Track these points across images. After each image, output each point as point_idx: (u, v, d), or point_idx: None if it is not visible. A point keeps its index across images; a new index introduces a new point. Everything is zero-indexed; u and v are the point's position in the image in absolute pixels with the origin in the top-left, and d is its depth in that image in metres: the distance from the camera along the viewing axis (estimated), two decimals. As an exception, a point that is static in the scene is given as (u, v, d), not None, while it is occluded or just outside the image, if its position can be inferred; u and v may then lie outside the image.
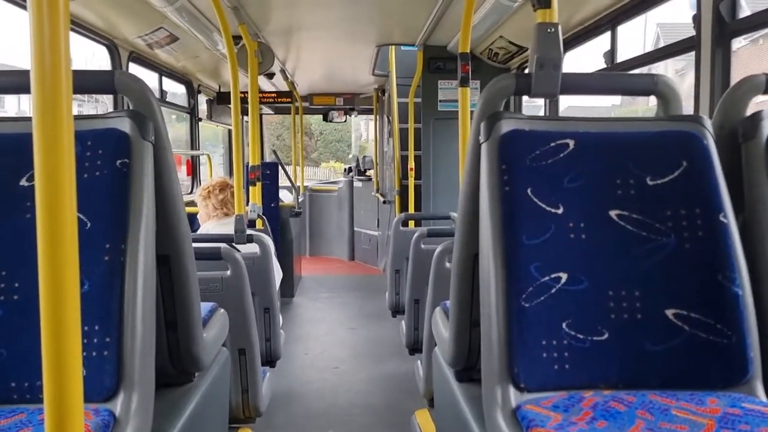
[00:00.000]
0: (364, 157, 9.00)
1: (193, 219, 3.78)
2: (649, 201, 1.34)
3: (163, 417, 1.41)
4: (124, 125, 1.31)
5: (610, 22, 3.31)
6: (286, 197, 6.99)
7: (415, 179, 5.19)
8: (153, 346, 1.27)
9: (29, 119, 1.36)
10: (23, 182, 1.28)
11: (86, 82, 1.37)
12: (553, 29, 1.42)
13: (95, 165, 1.26)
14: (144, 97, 1.37)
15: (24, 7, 2.66)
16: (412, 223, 4.76)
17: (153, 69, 4.68)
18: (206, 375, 1.73)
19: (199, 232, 3.38)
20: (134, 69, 4.27)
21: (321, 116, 9.19)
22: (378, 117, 8.42)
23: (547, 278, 1.28)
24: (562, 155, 1.36)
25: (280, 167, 6.24)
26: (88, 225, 1.22)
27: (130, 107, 1.37)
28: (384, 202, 7.26)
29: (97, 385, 1.15)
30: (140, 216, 1.26)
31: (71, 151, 0.78)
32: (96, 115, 1.34)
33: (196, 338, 1.57)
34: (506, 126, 1.37)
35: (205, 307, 1.78)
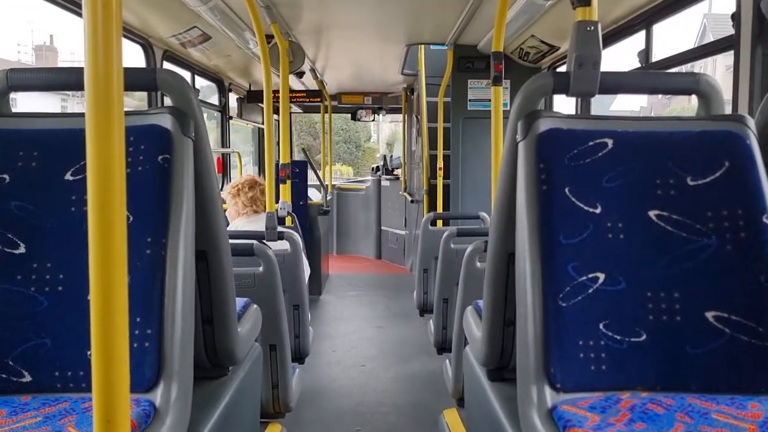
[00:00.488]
0: (392, 156, 9.02)
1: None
2: (690, 201, 1.32)
3: (198, 409, 1.43)
4: (166, 122, 1.33)
5: (645, 20, 3.27)
6: (314, 195, 7.03)
7: (443, 179, 5.19)
8: (192, 339, 1.29)
9: (72, 115, 1.41)
10: (68, 176, 1.31)
11: (129, 80, 1.39)
12: (592, 27, 1.41)
13: (138, 160, 1.29)
14: (185, 94, 1.39)
15: (79, 14, 2.74)
16: (440, 223, 4.76)
17: (186, 68, 4.74)
18: (240, 369, 1.75)
19: (228, 229, 3.42)
20: (168, 67, 4.34)
21: (349, 115, 9.22)
22: (406, 116, 8.42)
23: (584, 278, 1.27)
24: (600, 154, 1.35)
25: (308, 165, 6.28)
26: (131, 219, 1.24)
27: (166, 104, 1.39)
28: (411, 201, 7.26)
29: (138, 376, 1.17)
30: (181, 211, 1.28)
31: (122, 147, 0.80)
32: (138, 111, 1.37)
33: (232, 333, 1.59)
34: (544, 125, 1.37)
35: (239, 302, 1.81)
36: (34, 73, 1.44)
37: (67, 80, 1.44)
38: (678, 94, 1.54)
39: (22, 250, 1.28)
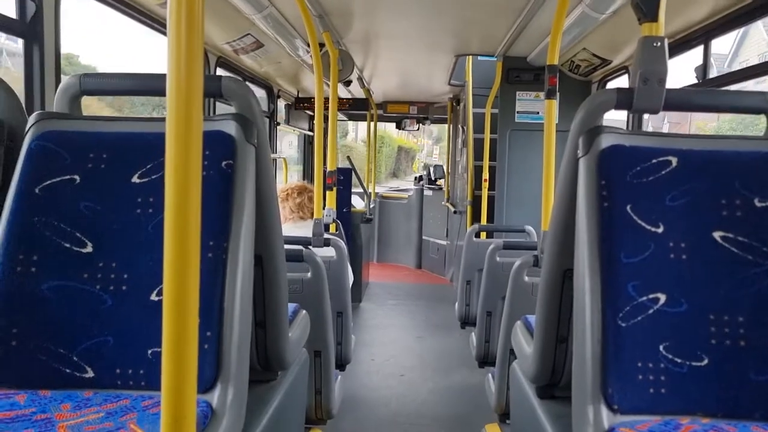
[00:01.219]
0: (435, 166, 9.00)
1: None
2: (757, 223, 1.28)
3: (249, 412, 1.45)
4: (230, 128, 1.36)
5: (703, 35, 3.19)
6: (357, 203, 7.07)
7: (488, 190, 5.15)
8: (248, 342, 1.31)
9: (141, 119, 1.45)
10: (135, 179, 1.35)
11: None
12: (659, 43, 1.39)
13: (203, 165, 1.32)
14: (248, 102, 1.42)
15: (163, 33, 2.87)
16: (483, 235, 4.72)
17: (237, 74, 4.83)
18: (288, 374, 1.77)
19: None
20: (221, 73, 4.43)
21: (394, 124, 9.24)
22: (451, 126, 8.40)
23: (644, 298, 1.25)
24: (664, 172, 1.32)
25: (353, 173, 6.32)
26: None
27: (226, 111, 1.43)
28: (454, 212, 7.23)
29: (197, 377, 1.19)
30: (242, 216, 1.30)
31: (199, 152, 0.82)
32: (204, 118, 1.40)
33: (283, 338, 1.61)
34: (606, 141, 1.35)
35: (290, 307, 1.83)
36: (106, 78, 1.49)
37: (139, 86, 1.48)
38: (745, 113, 1.50)
39: (89, 249, 1.32)
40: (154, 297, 1.28)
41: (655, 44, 1.38)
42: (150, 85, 1.46)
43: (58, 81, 2.26)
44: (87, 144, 1.38)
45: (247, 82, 5.05)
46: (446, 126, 8.75)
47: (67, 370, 1.27)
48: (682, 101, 1.45)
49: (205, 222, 1.28)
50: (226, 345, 1.23)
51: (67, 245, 1.32)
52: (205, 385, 1.21)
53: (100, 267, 1.31)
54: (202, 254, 1.25)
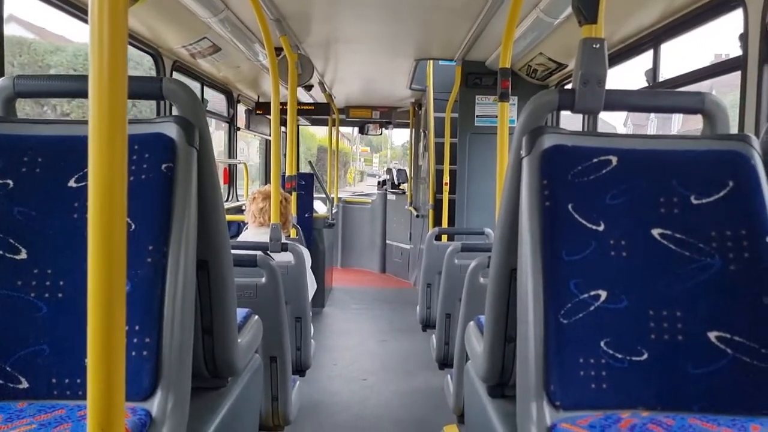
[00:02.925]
0: (399, 170, 9.03)
1: (229, 226, 3.83)
2: (694, 220, 1.31)
3: (196, 420, 1.43)
4: (171, 131, 1.34)
5: (653, 40, 3.27)
6: (320, 208, 7.04)
7: (449, 194, 5.19)
8: (191, 349, 1.29)
9: (78, 122, 1.42)
10: (72, 183, 1.32)
11: (136, 89, 1.40)
12: (598, 45, 1.41)
13: (141, 168, 1.29)
14: (191, 104, 1.40)
15: (85, 21, 2.76)
16: (445, 238, 4.75)
17: (195, 78, 4.77)
18: (239, 380, 1.74)
19: (239, 238, 3.43)
20: (177, 78, 4.36)
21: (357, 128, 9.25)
22: (413, 131, 8.44)
23: (586, 295, 1.27)
24: (604, 171, 1.34)
25: (315, 178, 6.29)
26: (133, 227, 1.24)
27: (172, 114, 1.40)
28: (417, 215, 7.26)
29: (135, 384, 1.16)
30: (183, 220, 1.28)
31: (123, 155, 0.80)
32: (143, 120, 1.37)
33: (231, 343, 1.59)
34: (548, 141, 1.36)
35: (240, 312, 1.80)
36: (40, 80, 1.45)
37: (74, 88, 1.45)
38: (683, 113, 1.54)
39: (23, 255, 1.28)
40: None
41: (594, 46, 1.41)
42: (86, 87, 1.42)
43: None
44: (21, 148, 1.34)
45: (205, 87, 4.99)
46: (384, 135, 8.82)
47: (0, 381, 1.23)
48: (622, 102, 1.48)
49: (144, 226, 1.26)
50: (166, 351, 1.21)
51: (0, 252, 1.28)
52: (144, 392, 1.18)
53: (35, 274, 1.27)
54: (140, 259, 1.23)
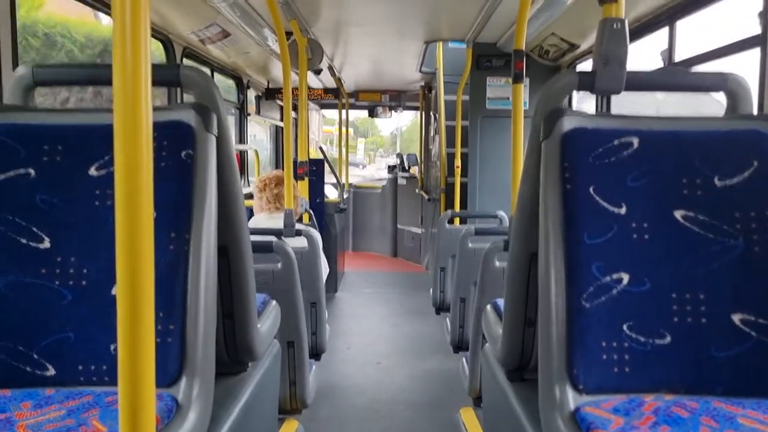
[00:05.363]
0: (408, 155, 9.01)
1: None
2: (717, 202, 1.30)
3: (219, 405, 1.44)
4: (189, 118, 1.34)
5: (668, 18, 3.22)
6: (330, 194, 7.04)
7: (461, 177, 5.17)
8: (214, 335, 1.29)
9: (98, 110, 1.42)
10: (92, 171, 1.32)
11: (153, 76, 1.40)
12: (619, 25, 1.39)
13: (161, 156, 1.29)
14: (208, 90, 1.39)
15: (108, 13, 2.76)
16: (457, 221, 4.74)
17: (205, 64, 4.76)
18: (259, 365, 1.75)
19: (249, 224, 3.44)
20: (187, 64, 4.35)
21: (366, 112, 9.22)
22: (423, 114, 8.40)
23: (608, 278, 1.26)
24: (625, 153, 1.33)
25: (325, 163, 6.29)
26: (154, 214, 1.24)
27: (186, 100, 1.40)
28: (428, 199, 7.25)
29: (160, 370, 1.17)
30: (203, 207, 1.28)
31: (149, 142, 0.81)
32: (162, 107, 1.37)
33: (252, 329, 1.60)
34: (568, 123, 1.35)
35: (258, 298, 1.81)
36: (59, 69, 1.45)
37: (92, 76, 1.45)
38: (705, 92, 1.51)
39: (46, 244, 1.29)
40: (114, 291, 1.26)
41: (615, 26, 1.39)
42: (105, 75, 1.43)
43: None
44: (42, 137, 1.35)
45: (215, 73, 4.98)
46: (372, 120, 8.83)
47: (28, 369, 1.24)
48: (644, 82, 1.46)
49: (165, 213, 1.26)
50: (190, 338, 1.21)
51: (24, 240, 1.29)
52: (170, 378, 1.19)
53: (59, 262, 1.28)
54: (163, 247, 1.24)
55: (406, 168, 8.87)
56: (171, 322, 1.21)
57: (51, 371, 1.24)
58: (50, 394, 1.19)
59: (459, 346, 3.55)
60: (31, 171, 1.32)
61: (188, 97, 3.89)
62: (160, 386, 1.18)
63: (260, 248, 2.40)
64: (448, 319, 3.80)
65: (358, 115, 9.61)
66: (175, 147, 1.30)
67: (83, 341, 1.25)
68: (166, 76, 1.42)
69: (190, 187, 1.28)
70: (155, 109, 1.36)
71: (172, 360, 1.20)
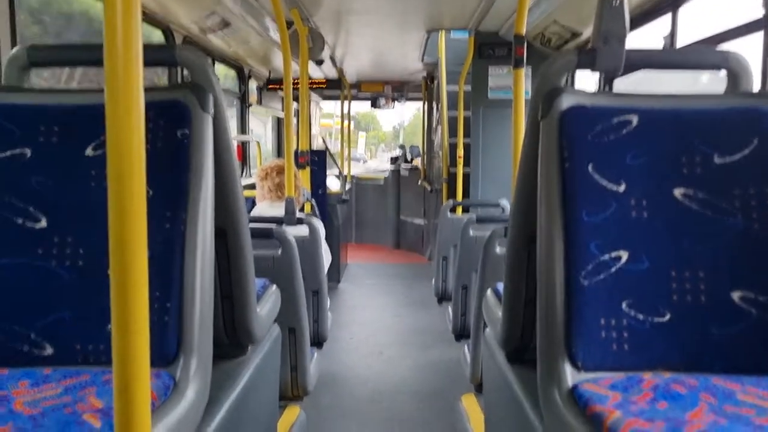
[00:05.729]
0: (411, 146, 8.99)
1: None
2: (716, 180, 1.29)
3: (217, 387, 1.44)
4: (185, 97, 1.33)
5: (671, 3, 3.20)
6: (333, 185, 7.03)
7: (463, 167, 5.15)
8: (211, 315, 1.29)
9: (93, 90, 1.41)
10: (89, 151, 1.32)
11: (151, 57, 1.40)
12: (618, 2, 1.38)
13: (157, 135, 1.29)
14: (204, 70, 1.39)
15: None
16: (459, 211, 4.73)
17: (206, 54, 4.75)
18: (259, 349, 1.76)
19: (252, 213, 3.44)
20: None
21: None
22: (426, 104, 8.38)
23: (607, 256, 1.25)
24: (624, 131, 1.32)
25: (327, 154, 6.28)
26: (150, 194, 1.24)
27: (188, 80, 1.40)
28: (431, 190, 7.23)
29: (158, 349, 1.17)
30: (200, 186, 1.28)
31: (140, 122, 0.80)
32: (158, 87, 1.37)
33: (251, 311, 1.60)
34: (566, 101, 1.34)
35: (258, 282, 1.81)
36: (54, 50, 1.45)
37: (87, 57, 1.45)
38: (706, 69, 1.50)
39: (43, 224, 1.29)
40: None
41: (614, 3, 1.38)
42: (100, 56, 1.42)
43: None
44: (37, 117, 1.34)
45: (215, 63, 4.97)
46: (374, 114, 8.81)
47: (25, 348, 1.25)
48: (644, 60, 1.45)
49: (161, 193, 1.26)
50: (187, 317, 1.21)
51: (20, 221, 1.29)
52: (168, 357, 1.19)
53: (55, 242, 1.28)
54: (158, 226, 1.24)
55: (409, 159, 8.86)
56: (167, 300, 1.20)
57: (48, 351, 1.25)
58: (48, 373, 1.20)
59: (461, 333, 3.56)
60: (27, 151, 1.32)
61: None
62: (157, 365, 1.18)
63: (260, 234, 2.40)
64: (450, 307, 3.79)
65: (360, 108, 9.57)
66: (171, 127, 1.30)
67: (80, 321, 1.25)
68: (163, 57, 1.42)
69: (187, 167, 1.28)
70: (152, 89, 1.36)
71: (170, 339, 1.20)
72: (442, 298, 4.41)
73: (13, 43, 2.17)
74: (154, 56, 1.43)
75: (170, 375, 1.17)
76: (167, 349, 1.19)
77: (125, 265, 0.81)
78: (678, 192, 1.29)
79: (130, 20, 0.78)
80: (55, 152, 1.32)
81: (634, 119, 1.33)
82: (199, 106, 1.33)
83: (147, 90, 1.32)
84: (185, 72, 1.44)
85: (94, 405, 1.06)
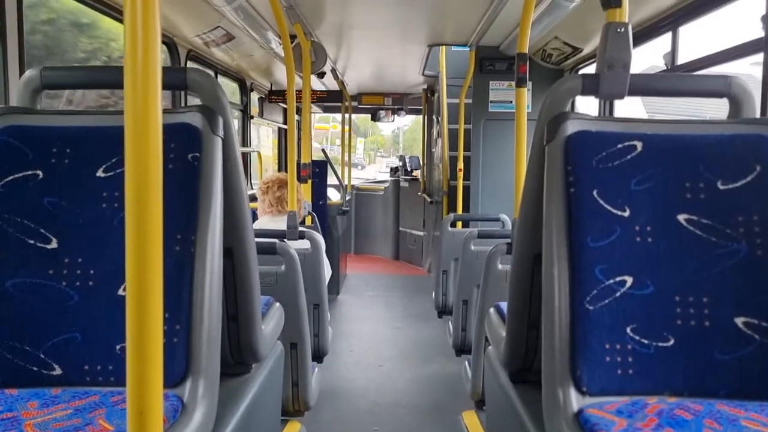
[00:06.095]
0: (411, 157, 9.01)
1: None
2: (720, 206, 1.31)
3: (223, 405, 1.45)
4: (196, 120, 1.35)
5: (671, 22, 3.23)
6: (333, 196, 7.05)
7: (463, 180, 5.17)
8: (219, 336, 1.30)
9: (105, 112, 1.43)
10: (100, 173, 1.33)
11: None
12: (623, 29, 1.40)
13: (168, 158, 1.30)
14: (214, 93, 1.40)
15: (120, 20, 2.79)
16: (459, 224, 4.74)
17: (209, 67, 4.78)
18: (263, 367, 1.76)
19: (254, 226, 3.44)
20: (192, 66, 4.36)
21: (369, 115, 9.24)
22: (426, 117, 8.41)
23: (611, 281, 1.27)
24: (629, 157, 1.34)
25: (328, 166, 6.30)
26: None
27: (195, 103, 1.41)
28: (431, 202, 7.25)
29: (166, 370, 1.18)
30: (209, 208, 1.29)
31: (158, 144, 0.82)
32: (169, 110, 1.38)
33: (256, 330, 1.61)
34: (572, 127, 1.36)
35: (262, 300, 1.82)
36: (67, 72, 1.46)
37: (100, 79, 1.46)
38: (708, 96, 1.52)
39: (54, 245, 1.30)
40: (121, 292, 1.27)
41: (618, 30, 1.40)
42: (114, 78, 1.44)
43: (22, 74, 2.21)
44: (50, 138, 1.36)
45: (218, 75, 5.00)
46: (374, 120, 8.90)
47: (34, 368, 1.25)
48: (647, 86, 1.47)
49: (172, 215, 1.27)
50: (195, 338, 1.22)
51: (31, 241, 1.30)
52: (175, 379, 1.20)
53: (66, 263, 1.29)
54: (169, 247, 1.25)
55: (409, 171, 8.88)
56: (177, 322, 1.21)
57: (57, 371, 1.25)
58: (56, 393, 1.20)
59: (461, 348, 3.56)
60: (39, 173, 1.33)
61: (193, 100, 3.91)
62: (166, 386, 1.18)
63: (264, 250, 2.41)
64: (450, 322, 3.80)
65: (359, 113, 9.61)
66: (182, 149, 1.31)
67: (89, 341, 1.26)
68: (172, 80, 1.44)
69: (197, 189, 1.29)
70: (163, 111, 1.37)
71: (178, 360, 1.20)
72: (443, 311, 4.41)
73: (21, 66, 2.19)
74: (164, 79, 1.44)
75: (178, 397, 1.18)
76: (176, 371, 1.20)
77: (141, 288, 0.82)
78: (682, 217, 1.31)
79: (150, 46, 0.80)
80: (67, 174, 1.33)
81: (639, 145, 1.34)
82: (210, 128, 1.35)
83: None
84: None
85: (105, 428, 1.07)
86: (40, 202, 1.31)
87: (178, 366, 1.20)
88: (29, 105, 1.44)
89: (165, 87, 1.48)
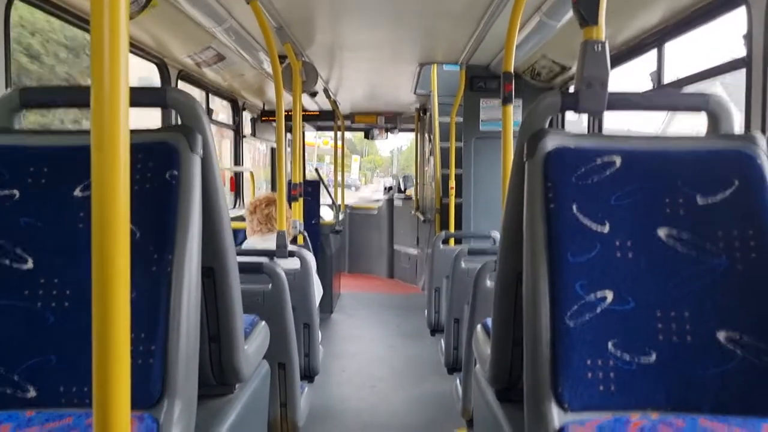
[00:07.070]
0: (405, 176, 9.04)
1: (236, 234, 3.83)
2: (700, 220, 1.31)
3: (203, 427, 1.43)
4: (174, 139, 1.35)
5: (656, 40, 3.26)
6: (326, 215, 7.05)
7: (455, 197, 5.18)
8: (197, 356, 1.29)
9: (82, 132, 1.43)
10: (77, 192, 1.33)
11: (141, 98, 1.41)
12: (600, 47, 1.41)
13: (145, 177, 1.30)
14: (194, 111, 1.41)
15: (87, 30, 2.78)
16: (452, 242, 4.74)
17: (200, 87, 4.80)
18: (247, 387, 1.74)
19: (243, 246, 3.43)
20: (182, 87, 4.39)
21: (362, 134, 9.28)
22: (419, 136, 8.45)
23: (592, 297, 1.26)
24: (608, 172, 1.34)
25: (321, 185, 6.30)
26: (137, 235, 1.25)
27: (179, 122, 1.41)
28: (424, 220, 7.26)
29: (141, 392, 1.17)
30: (187, 228, 1.29)
31: (126, 164, 0.81)
32: (147, 129, 1.38)
33: (238, 350, 1.59)
34: (551, 143, 1.36)
35: (246, 319, 1.80)
36: (45, 92, 1.46)
37: (78, 98, 1.46)
38: (687, 111, 1.53)
39: (30, 265, 1.29)
40: None
41: (596, 48, 1.41)
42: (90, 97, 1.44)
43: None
44: (26, 158, 1.35)
45: (210, 95, 5.02)
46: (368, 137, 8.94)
47: (8, 390, 1.24)
48: (625, 102, 1.48)
49: (149, 234, 1.27)
50: (172, 359, 1.21)
51: (7, 262, 1.29)
52: (151, 400, 1.19)
53: (42, 283, 1.28)
54: (145, 267, 1.24)
55: (403, 189, 8.89)
56: (152, 342, 1.20)
57: (32, 393, 1.24)
58: (30, 415, 1.18)
59: (453, 367, 3.53)
60: (16, 192, 1.32)
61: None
62: (141, 407, 1.17)
63: (250, 269, 2.40)
64: (442, 340, 3.78)
65: (352, 131, 9.65)
66: (159, 168, 1.31)
67: (65, 363, 1.24)
68: (153, 99, 1.44)
69: (175, 208, 1.29)
70: (141, 131, 1.38)
71: (154, 381, 1.19)
72: (435, 329, 4.39)
73: (8, 83, 2.19)
74: (145, 98, 1.45)
75: (154, 418, 1.17)
76: (151, 392, 1.19)
77: (107, 310, 0.81)
78: (662, 232, 1.31)
79: (116, 60, 0.79)
80: (43, 193, 1.33)
81: (618, 160, 1.35)
82: (189, 147, 1.34)
83: (136, 132, 1.34)
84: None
85: None
86: (17, 222, 1.31)
87: (154, 387, 1.19)
88: (7, 125, 1.44)
89: (145, 105, 1.49)
